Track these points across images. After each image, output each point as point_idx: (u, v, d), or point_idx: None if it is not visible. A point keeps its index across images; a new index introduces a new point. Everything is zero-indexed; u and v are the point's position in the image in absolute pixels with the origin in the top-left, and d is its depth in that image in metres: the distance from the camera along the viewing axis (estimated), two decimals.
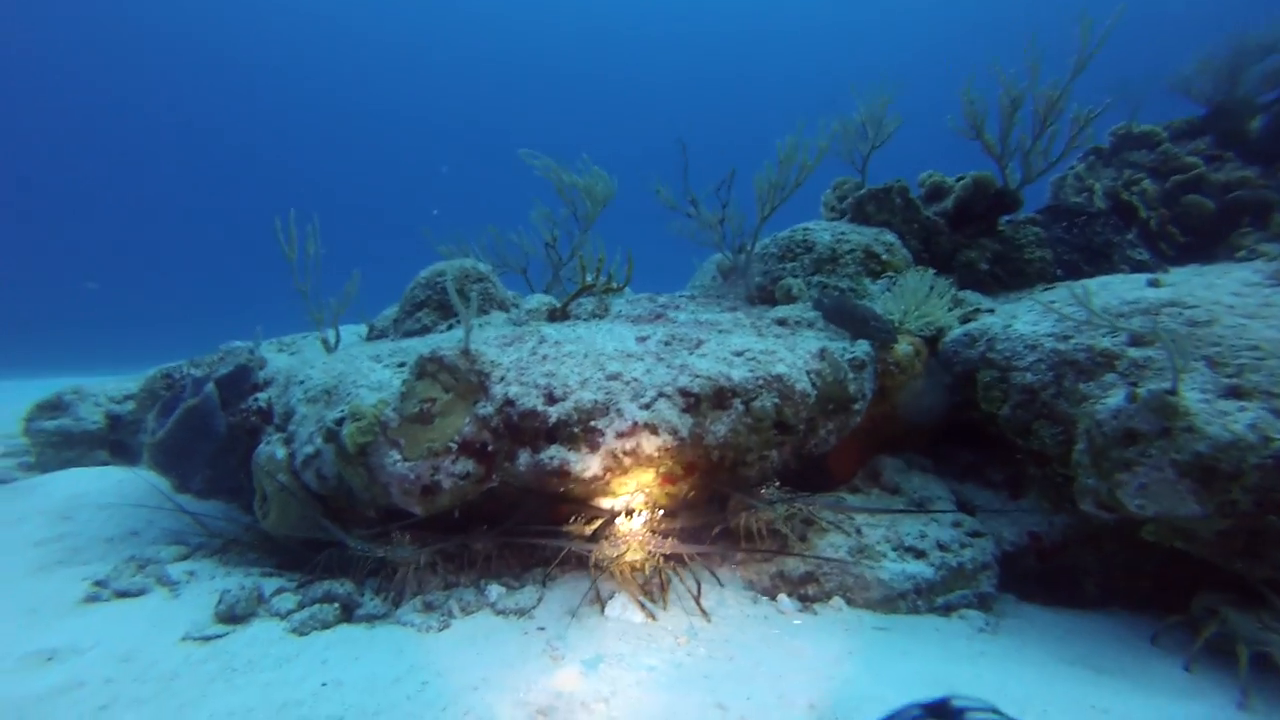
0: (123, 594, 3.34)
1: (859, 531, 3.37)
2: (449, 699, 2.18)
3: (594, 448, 3.10)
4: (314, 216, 4.51)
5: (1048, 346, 3.20)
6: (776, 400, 3.26)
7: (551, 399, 3.15)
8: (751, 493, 3.52)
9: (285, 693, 2.24)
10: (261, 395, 4.17)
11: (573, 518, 3.51)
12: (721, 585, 3.19)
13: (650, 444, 3.04)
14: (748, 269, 4.25)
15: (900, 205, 4.42)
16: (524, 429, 3.13)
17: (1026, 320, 3.45)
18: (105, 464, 6.42)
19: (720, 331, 3.81)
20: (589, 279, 4.39)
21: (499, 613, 2.95)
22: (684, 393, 3.19)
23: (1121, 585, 3.07)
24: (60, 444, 6.44)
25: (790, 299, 4.11)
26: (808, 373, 3.40)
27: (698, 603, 2.96)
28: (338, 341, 4.64)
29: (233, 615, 2.92)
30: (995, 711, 0.75)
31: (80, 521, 4.56)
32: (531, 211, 5.69)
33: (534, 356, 3.40)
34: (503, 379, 3.27)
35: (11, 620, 2.98)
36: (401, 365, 3.80)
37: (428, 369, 3.26)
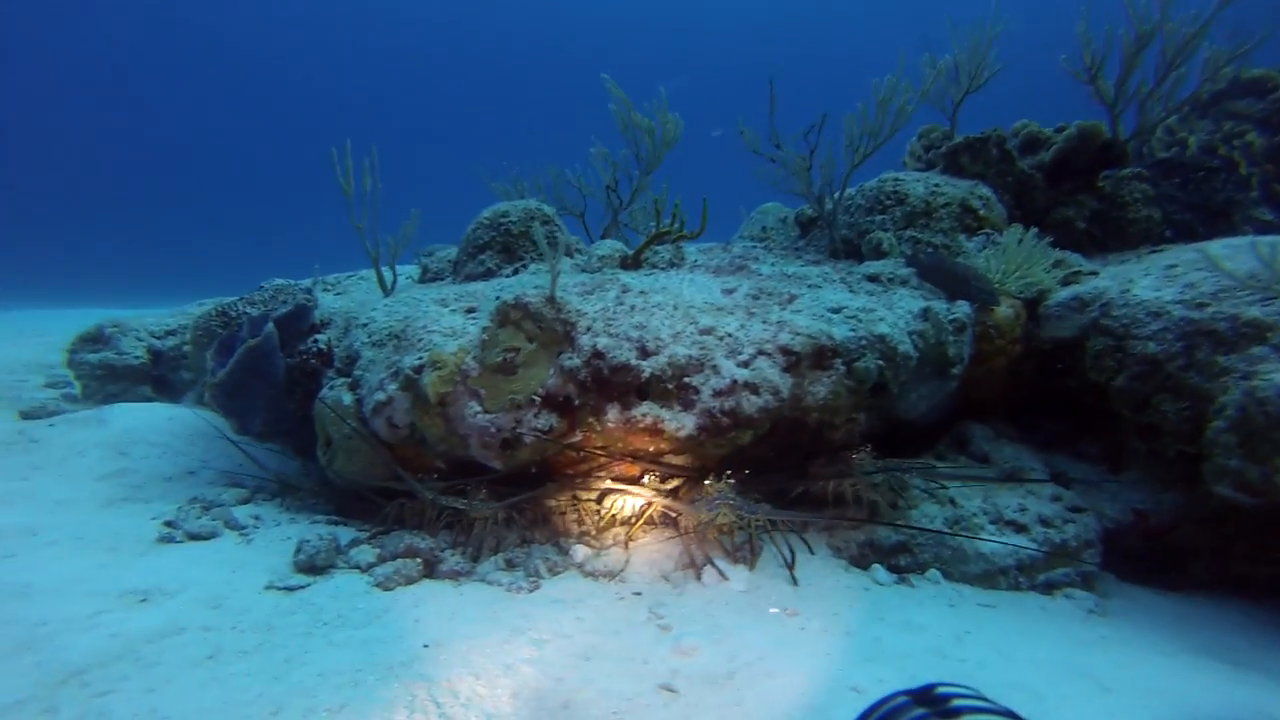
0: (194, 536, 3.28)
1: (953, 502, 3.22)
2: (563, 667, 2.08)
3: (688, 406, 2.94)
4: (371, 148, 4.26)
5: (1176, 314, 2.97)
6: (880, 362, 3.07)
7: (644, 353, 2.98)
8: (843, 457, 3.37)
9: (388, 652, 2.15)
10: (320, 337, 4.03)
11: (645, 476, 3.39)
12: (812, 553, 3.07)
13: (751, 404, 2.88)
14: (834, 220, 3.99)
15: (996, 157, 4.11)
16: (614, 383, 2.97)
17: (1147, 285, 3.20)
18: (150, 399, 6.37)
19: (810, 286, 3.59)
20: (663, 225, 4.15)
21: (587, 574, 2.84)
22: (785, 350, 3.01)
23: (1240, 571, 2.92)
24: (105, 377, 6.37)
25: (880, 254, 3.87)
26: (910, 333, 3.19)
27: (791, 571, 2.85)
28: (394, 283, 4.46)
29: (313, 566, 2.83)
30: (980, 698, 0.75)
31: (136, 458, 4.50)
32: (590, 150, 5.40)
33: (621, 307, 3.21)
34: (589, 329, 3.09)
35: (97, 556, 2.91)
36: (471, 311, 3.62)
37: (511, 316, 3.08)
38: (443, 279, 4.89)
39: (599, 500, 3.42)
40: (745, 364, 2.98)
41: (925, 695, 0.77)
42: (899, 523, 3.11)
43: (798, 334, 3.05)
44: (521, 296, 3.07)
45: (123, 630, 2.22)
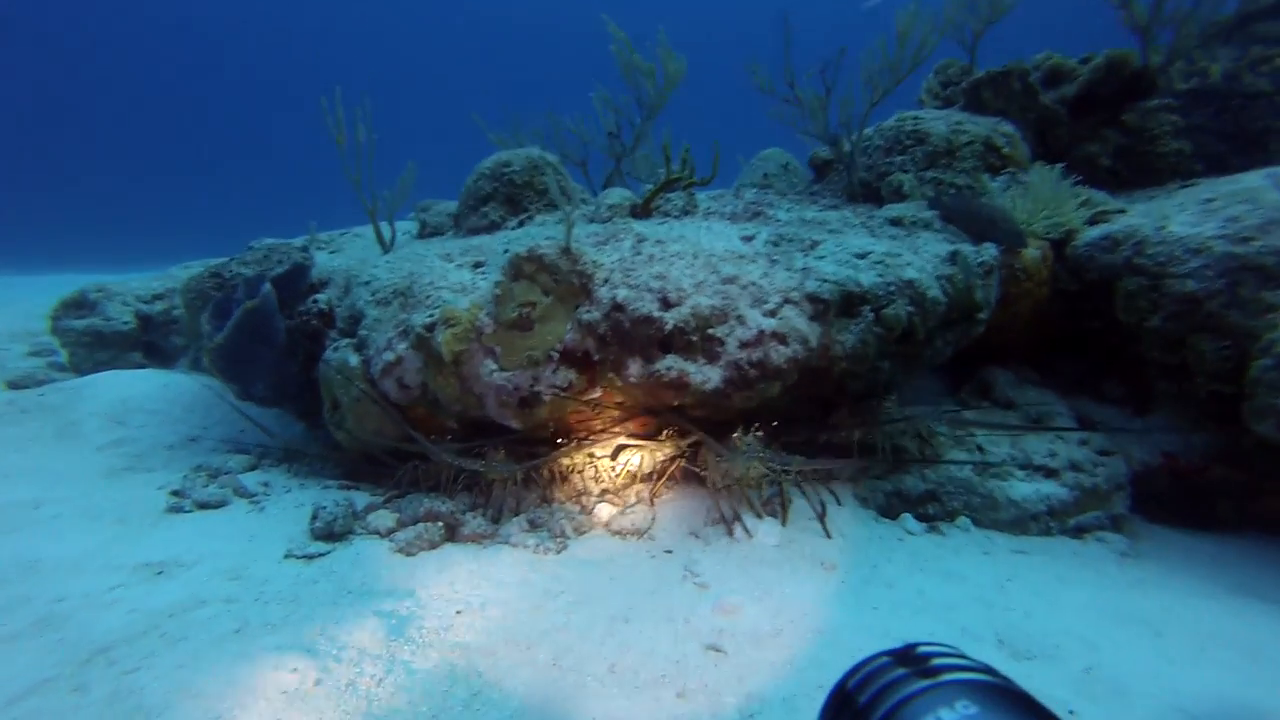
0: (204, 505, 3.19)
1: (981, 449, 3.17)
2: (603, 631, 2.02)
3: (713, 358, 2.84)
4: (364, 97, 4.02)
5: (1218, 250, 2.86)
6: (910, 308, 2.96)
7: (666, 304, 2.85)
8: (866, 406, 3.30)
9: (425, 621, 2.09)
10: (320, 296, 3.86)
11: (665, 432, 3.31)
12: (840, 504, 3.02)
13: (779, 355, 2.77)
14: (854, 162, 3.82)
15: (1019, 91, 3.92)
16: (636, 336, 2.85)
17: (1185, 220, 3.09)
18: (141, 366, 6.20)
19: (831, 231, 3.45)
20: (673, 171, 3.97)
21: (615, 533, 2.78)
22: (813, 298, 2.89)
23: (1272, 508, 2.90)
24: (92, 344, 6.18)
25: (900, 196, 3.72)
26: (938, 278, 3.08)
27: (823, 523, 2.80)
28: (393, 239, 4.28)
29: (331, 532, 2.75)
30: (960, 655, 0.76)
31: (134, 426, 4.37)
32: (592, 94, 5.15)
33: (639, 257, 3.06)
34: (607, 281, 2.96)
35: (106, 528, 2.82)
36: (478, 266, 3.47)
37: (525, 270, 2.93)
38: (443, 233, 4.70)
39: (614, 456, 3.35)
40: (772, 313, 2.87)
41: (906, 655, 0.78)
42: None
43: (825, 281, 2.93)
44: (535, 248, 2.92)
45: (144, 605, 2.14)
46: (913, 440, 3.30)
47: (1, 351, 7.14)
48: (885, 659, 0.78)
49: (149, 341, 6.54)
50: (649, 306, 2.82)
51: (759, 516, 2.84)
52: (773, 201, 4.10)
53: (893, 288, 2.97)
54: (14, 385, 5.23)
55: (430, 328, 2.89)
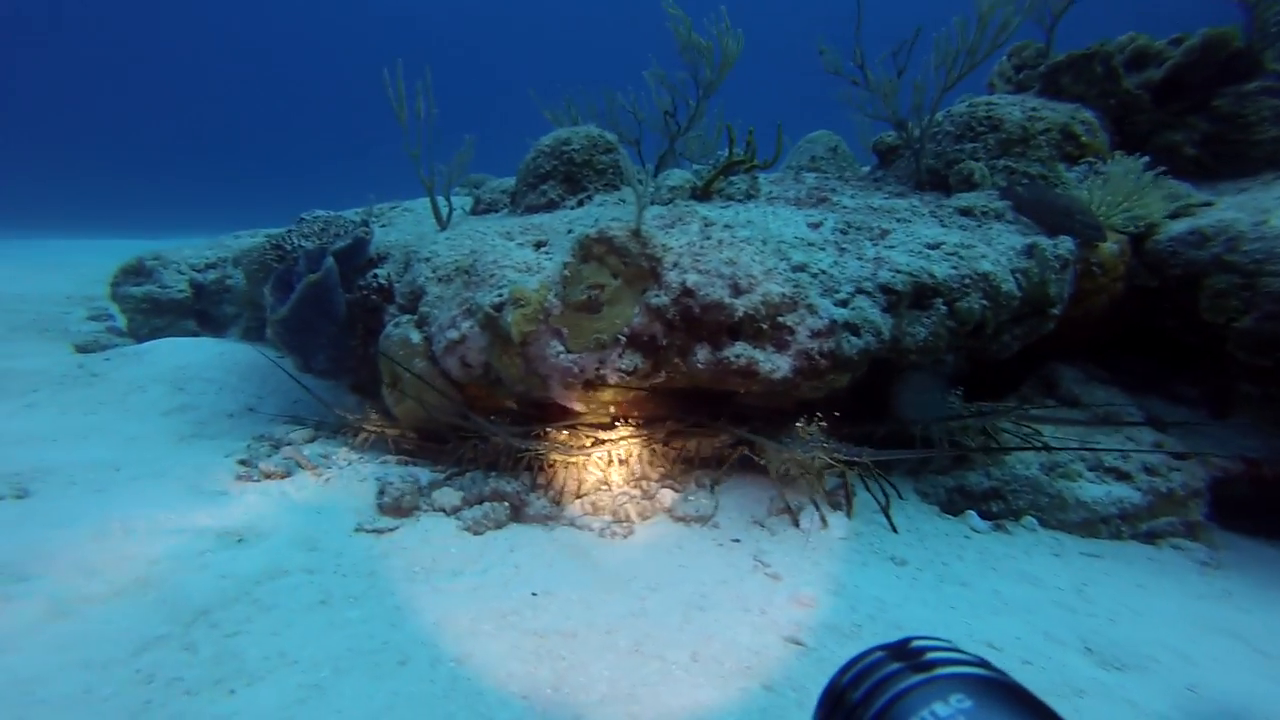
0: (270, 475, 3.26)
1: (1048, 447, 3.10)
2: (680, 618, 2.03)
3: (782, 346, 2.80)
4: (426, 70, 3.99)
5: None
6: (985, 302, 2.88)
7: (736, 290, 2.82)
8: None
9: (496, 601, 2.12)
10: (380, 271, 3.89)
11: (721, 418, 3.29)
12: (901, 498, 2.98)
13: (851, 346, 2.73)
14: (922, 149, 3.71)
15: (1101, 75, 3.75)
16: (705, 322, 2.82)
17: None
18: (194, 333, 6.35)
19: (899, 220, 3.37)
20: (735, 153, 3.90)
21: (678, 519, 2.79)
22: (885, 289, 2.83)
23: None
24: (149, 311, 6.34)
25: (970, 185, 3.61)
26: (1013, 271, 2.99)
27: (888, 517, 2.77)
28: (449, 214, 4.28)
29: (398, 508, 2.80)
30: (954, 649, 0.76)
31: (194, 393, 4.48)
32: (644, 72, 5.06)
33: (708, 241, 3.02)
34: (676, 265, 2.93)
35: (181, 494, 2.90)
36: (540, 245, 3.45)
37: (595, 251, 2.91)
38: (496, 210, 4.69)
39: (666, 441, 3.34)
40: (844, 303, 2.82)
41: (901, 649, 0.78)
42: (988, 465, 2.99)
43: (898, 271, 2.86)
44: (605, 230, 2.89)
45: (232, 571, 2.21)
46: (975, 436, 3.25)
47: (64, 314, 7.37)
48: (880, 654, 0.78)
49: (201, 309, 6.68)
50: (720, 293, 2.79)
51: (823, 508, 2.82)
52: (835, 187, 4.01)
53: (967, 280, 2.90)
54: (82, 349, 5.39)
55: (499, 307, 2.89)
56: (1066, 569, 2.42)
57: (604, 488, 3.06)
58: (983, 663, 0.72)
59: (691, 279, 2.85)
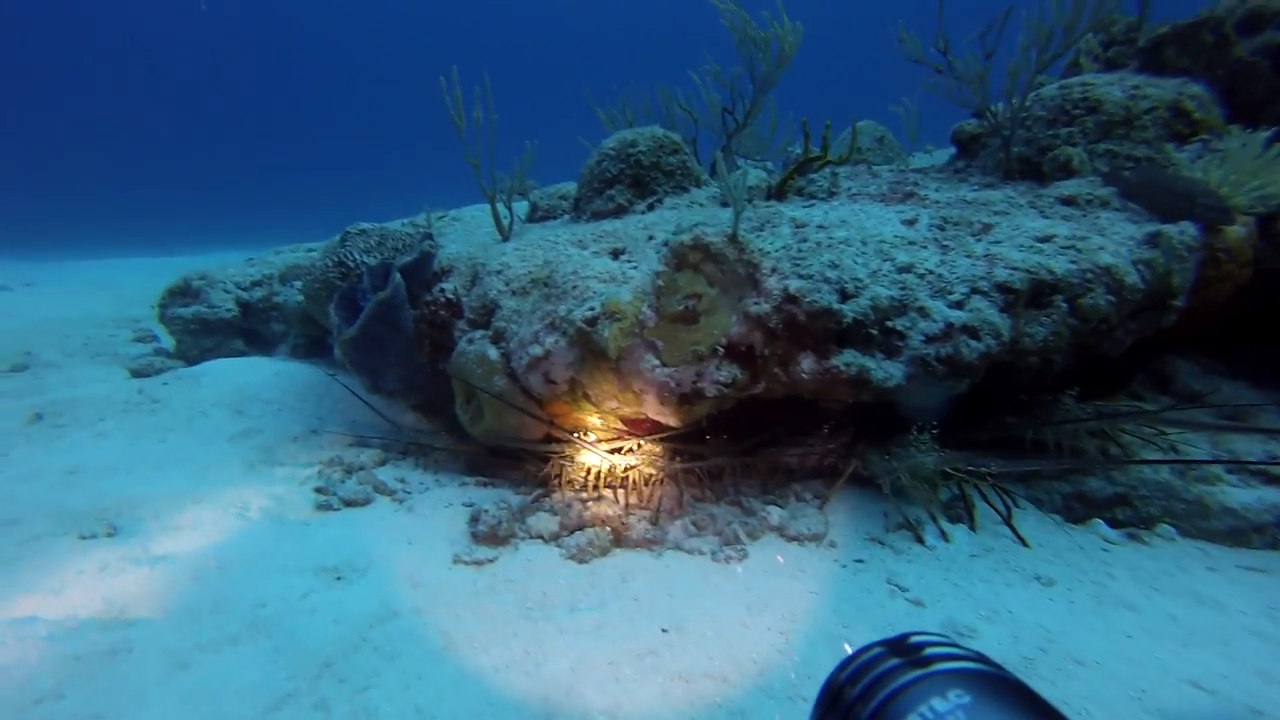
0: (350, 503, 3.16)
1: (1175, 449, 2.90)
2: (828, 654, 1.88)
3: (892, 353, 2.64)
4: (483, 75, 3.87)
5: None
6: (1110, 298, 2.69)
7: (844, 295, 2.65)
8: (1039, 401, 3.06)
9: (627, 640, 1.98)
10: (446, 285, 3.77)
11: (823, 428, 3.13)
12: (1019, 507, 2.80)
13: (971, 350, 2.55)
14: (1012, 136, 3.51)
15: (1211, 44, 3.52)
16: (811, 330, 2.66)
17: None
18: (242, 353, 6.32)
19: (997, 213, 3.18)
20: (811, 149, 3.73)
21: (790, 539, 2.63)
22: (1003, 288, 2.65)
23: None
24: (199, 332, 6.30)
25: (1067, 172, 3.40)
26: (1136, 263, 2.79)
27: (1013, 529, 2.59)
28: (511, 223, 4.16)
29: (495, 536, 2.67)
30: (953, 644, 0.73)
31: (255, 416, 4.41)
32: (691, 72, 4.91)
33: (805, 244, 2.86)
34: (775, 270, 2.77)
35: (265, 526, 2.81)
36: (618, 253, 3.31)
37: (690, 259, 2.76)
38: (555, 217, 4.57)
39: (751, 452, 3.19)
40: (959, 304, 2.64)
41: (899, 645, 0.77)
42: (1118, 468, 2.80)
43: (1015, 269, 2.68)
44: (700, 236, 2.74)
45: (343, 614, 2.09)
46: (1090, 439, 3.05)
47: (110, 337, 7.38)
48: (879, 649, 0.77)
49: (249, 328, 6.64)
50: (828, 298, 2.63)
51: (942, 522, 2.66)
52: (917, 180, 3.82)
53: (1088, 275, 2.71)
54: (138, 374, 5.36)
55: (591, 321, 2.75)
56: (1237, 587, 2.23)
57: (694, 506, 2.92)
58: (981, 658, 0.71)
59: (794, 284, 2.70)
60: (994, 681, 0.66)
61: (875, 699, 0.69)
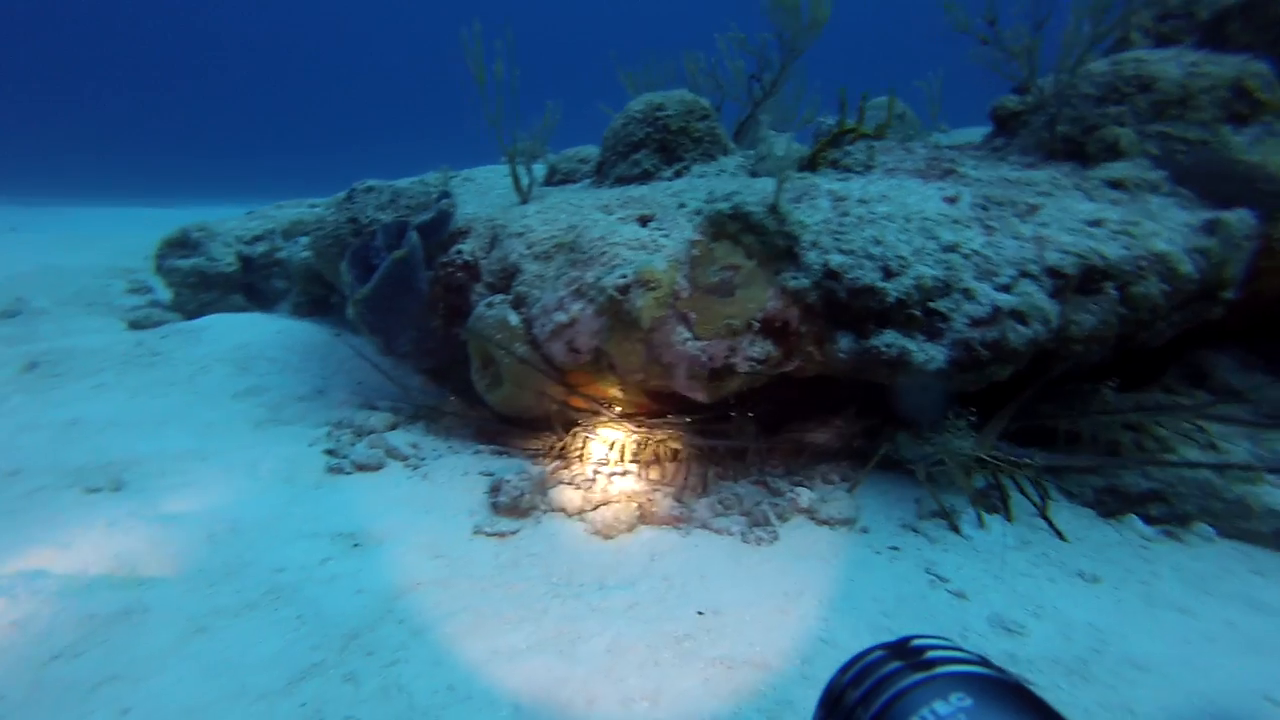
0: (362, 466, 3.06)
1: (1214, 446, 2.84)
2: (874, 643, 1.81)
3: (934, 335, 2.54)
4: (506, 30, 3.69)
5: None
6: (1165, 287, 2.60)
7: (887, 273, 2.55)
8: (1073, 391, 2.99)
9: (663, 622, 1.91)
10: (464, 247, 3.63)
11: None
12: (1052, 499, 2.74)
13: (1018, 336, 2.46)
14: (1058, 114, 3.37)
15: (1277, 16, 3.36)
16: (851, 308, 2.56)
17: None
18: (242, 308, 6.16)
19: (1041, 194, 3.06)
20: (846, 120, 3.59)
21: (821, 522, 2.56)
22: (1054, 272, 2.55)
23: None
24: (197, 285, 6.13)
25: (1114, 154, 3.28)
26: (1190, 251, 2.69)
27: (1049, 521, 2.53)
28: (530, 185, 4.01)
29: (516, 508, 2.59)
30: (955, 648, 0.74)
31: (259, 374, 4.29)
32: (724, 34, 4.73)
33: (846, 218, 2.74)
34: (815, 244, 2.66)
35: (277, 487, 2.72)
36: (646, 220, 3.18)
37: (729, 229, 2.64)
38: (574, 180, 4.41)
39: (773, 431, 3.11)
40: (1006, 288, 2.54)
41: (901, 648, 0.77)
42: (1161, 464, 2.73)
43: (1066, 252, 2.58)
44: (741, 205, 2.62)
45: (364, 584, 2.01)
46: (1125, 432, 2.98)
47: (105, 287, 7.18)
48: (881, 652, 0.76)
49: (249, 283, 6.47)
50: (871, 276, 2.52)
51: (977, 510, 2.59)
52: (954, 157, 3.69)
53: (1142, 262, 2.61)
54: (136, 325, 5.21)
55: (624, 289, 2.63)
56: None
57: (720, 483, 2.84)
58: (983, 661, 0.70)
59: (835, 260, 2.59)
60: (996, 685, 0.65)
61: (877, 702, 0.69)
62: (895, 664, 0.73)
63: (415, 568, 2.14)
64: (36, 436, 2.91)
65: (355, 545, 2.29)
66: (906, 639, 0.78)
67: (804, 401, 3.19)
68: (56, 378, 3.77)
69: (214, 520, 2.33)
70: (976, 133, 5.94)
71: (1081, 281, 2.60)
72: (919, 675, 0.69)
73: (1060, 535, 2.46)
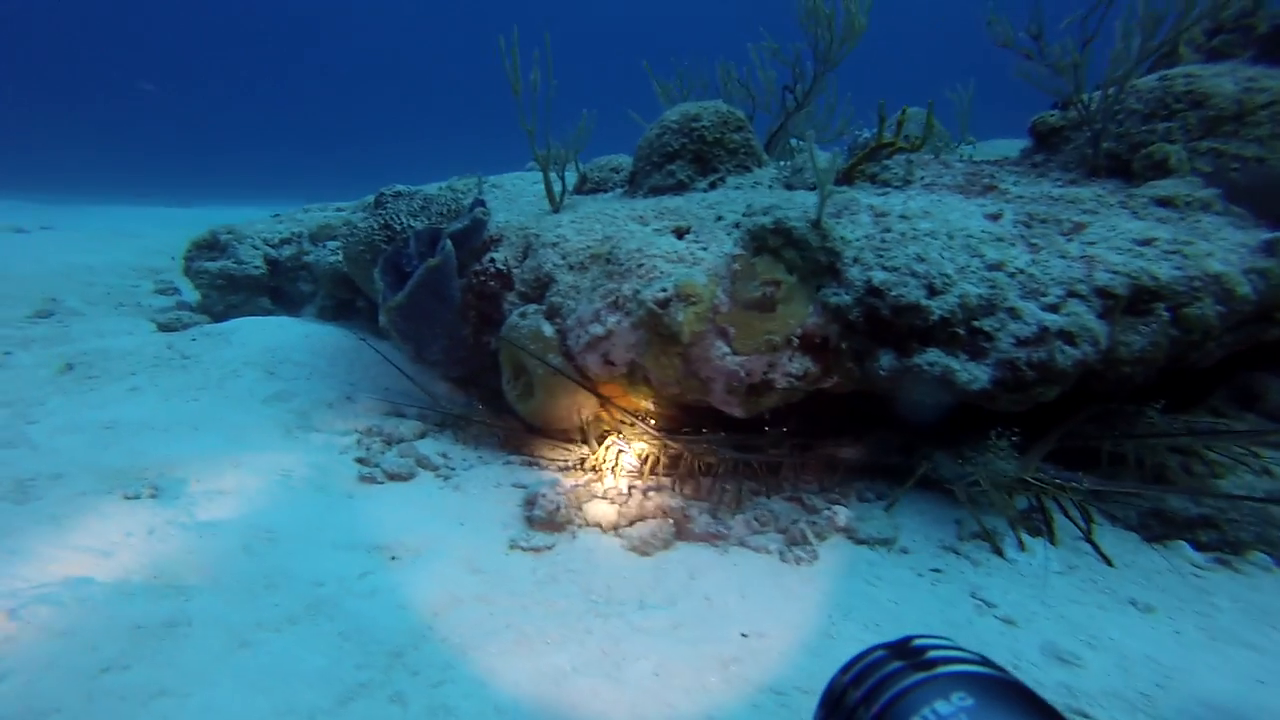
0: (394, 476, 3.05)
1: (1269, 472, 2.76)
2: None
3: (977, 354, 2.50)
4: (544, 36, 3.69)
5: None
6: (1220, 308, 2.54)
7: (931, 291, 2.51)
8: (1115, 411, 2.92)
9: (707, 644, 1.88)
10: (496, 255, 3.63)
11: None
12: (1096, 521, 2.68)
13: (1066, 357, 2.41)
14: (1104, 130, 3.32)
15: None
16: (894, 325, 2.52)
17: None
18: (269, 311, 6.20)
19: (1086, 212, 3.01)
20: (885, 135, 3.55)
21: (859, 541, 2.52)
22: (1103, 292, 2.50)
23: None
24: (225, 287, 6.18)
25: (1162, 171, 3.22)
26: (1248, 272, 2.63)
27: (1095, 546, 2.47)
28: (563, 194, 4.00)
29: (552, 522, 2.56)
30: (956, 648, 0.75)
31: (287, 379, 4.30)
32: (757, 44, 4.72)
33: (889, 234, 2.71)
34: (857, 260, 2.62)
35: (310, 496, 2.71)
36: (681, 233, 3.16)
37: (770, 243, 2.61)
38: (605, 189, 4.40)
39: (804, 448, 3.07)
40: (1054, 308, 2.49)
41: (902, 648, 0.76)
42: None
43: (1116, 272, 2.52)
44: (783, 220, 2.59)
45: (404, 599, 1.99)
46: (1171, 455, 2.92)
47: (133, 288, 7.28)
48: (882, 652, 0.76)
49: (275, 286, 6.52)
50: (915, 294, 2.48)
51: (1018, 532, 2.53)
52: (994, 173, 3.64)
53: (1196, 283, 2.55)
54: (165, 328, 5.26)
55: (664, 303, 2.61)
56: None
57: (754, 500, 2.81)
58: (984, 660, 0.70)
59: (879, 277, 2.55)
60: (997, 684, 0.65)
61: (878, 702, 0.68)
62: (896, 664, 0.72)
63: (454, 582, 2.12)
64: (75, 439, 2.93)
65: (393, 558, 2.28)
66: (908, 639, 0.77)
67: (834, 416, 3.15)
68: (92, 380, 3.80)
69: (250, 529, 2.33)
70: (1004, 145, 5.88)
71: (1131, 302, 2.55)
72: (920, 675, 0.68)
73: (1107, 560, 2.40)
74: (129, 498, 2.50)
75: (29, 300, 5.58)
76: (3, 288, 5.90)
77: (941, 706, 0.63)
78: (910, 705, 0.66)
